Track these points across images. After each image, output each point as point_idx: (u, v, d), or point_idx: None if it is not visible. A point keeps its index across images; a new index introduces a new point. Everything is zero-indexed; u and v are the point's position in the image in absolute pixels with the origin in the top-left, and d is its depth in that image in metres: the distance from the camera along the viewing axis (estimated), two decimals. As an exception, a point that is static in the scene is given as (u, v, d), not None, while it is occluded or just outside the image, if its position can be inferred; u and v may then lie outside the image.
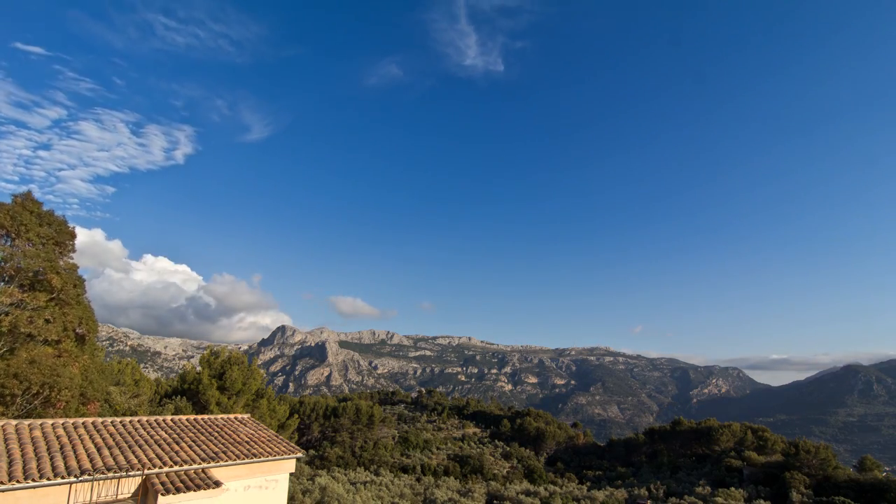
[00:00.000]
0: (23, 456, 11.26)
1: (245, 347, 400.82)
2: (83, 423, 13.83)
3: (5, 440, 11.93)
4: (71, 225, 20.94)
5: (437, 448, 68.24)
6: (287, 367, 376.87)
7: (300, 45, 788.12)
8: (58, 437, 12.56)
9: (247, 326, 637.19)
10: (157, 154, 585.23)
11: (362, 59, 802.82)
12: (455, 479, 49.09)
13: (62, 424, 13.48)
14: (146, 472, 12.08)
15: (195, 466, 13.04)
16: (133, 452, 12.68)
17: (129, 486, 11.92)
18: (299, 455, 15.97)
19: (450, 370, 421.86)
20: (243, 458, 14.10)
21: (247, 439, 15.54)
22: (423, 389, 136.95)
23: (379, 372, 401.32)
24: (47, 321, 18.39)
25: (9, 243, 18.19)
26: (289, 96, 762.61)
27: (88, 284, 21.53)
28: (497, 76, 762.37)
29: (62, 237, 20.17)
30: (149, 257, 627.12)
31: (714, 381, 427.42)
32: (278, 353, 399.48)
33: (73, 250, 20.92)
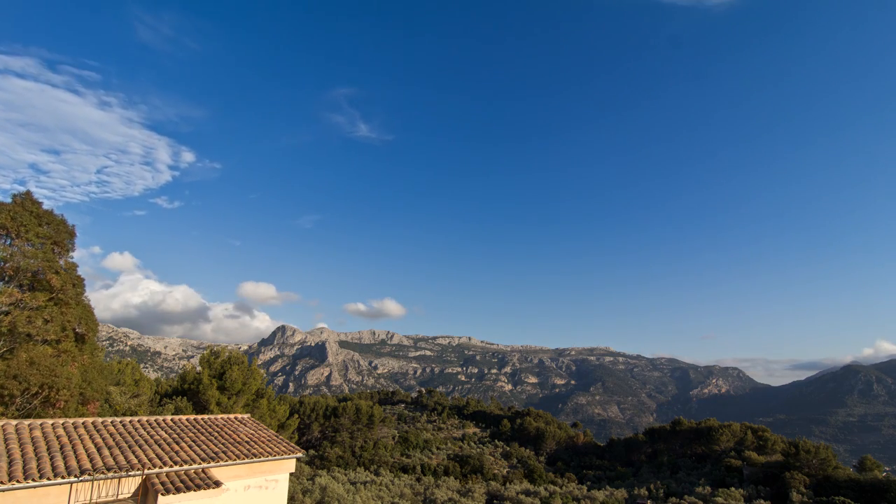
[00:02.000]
0: (23, 456, 11.26)
1: (245, 347, 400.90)
2: (83, 423, 13.83)
3: (5, 440, 11.92)
4: (71, 224, 20.88)
5: (437, 448, 68.25)
6: (287, 367, 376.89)
7: (232, 119, 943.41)
8: (58, 437, 12.56)
9: (247, 326, 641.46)
10: (118, 192, 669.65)
11: (278, 128, 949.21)
12: (455, 479, 49.09)
13: (62, 424, 13.47)
14: (146, 471, 12.08)
15: (195, 466, 13.04)
16: (133, 452, 12.68)
17: (130, 485, 11.92)
18: (299, 455, 15.97)
19: (450, 370, 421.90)
20: (243, 458, 14.10)
21: (247, 439, 15.54)
22: (423, 389, 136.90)
23: (379, 372, 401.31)
24: (46, 321, 18.35)
25: (9, 243, 18.17)
26: (224, 149, 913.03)
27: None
28: (392, 141, 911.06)
29: (61, 236, 20.11)
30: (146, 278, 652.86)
31: (714, 381, 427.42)
32: (278, 353, 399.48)
33: (73, 249, 20.83)
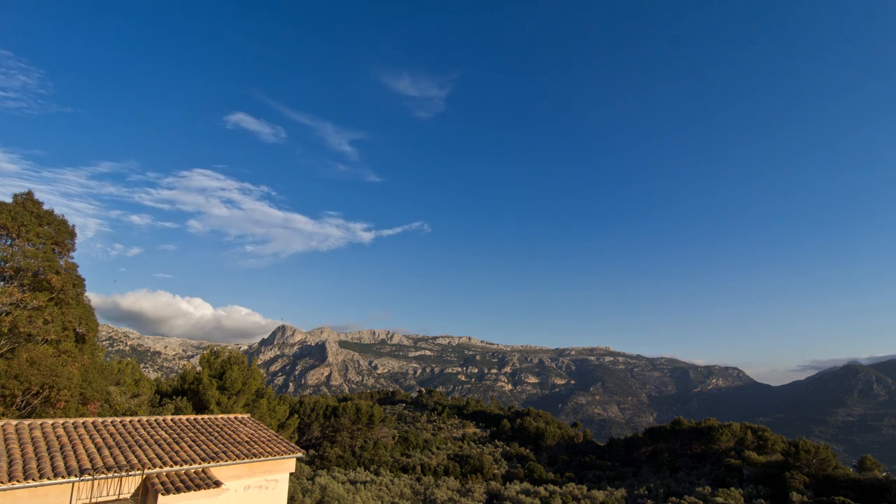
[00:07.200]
0: (23, 456, 11.26)
1: (245, 347, 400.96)
2: (83, 423, 13.84)
3: (5, 440, 11.93)
4: (71, 224, 20.88)
5: (437, 448, 68.26)
6: (287, 367, 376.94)
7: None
8: (58, 437, 12.57)
9: (247, 325, 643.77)
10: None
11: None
12: (455, 478, 49.09)
13: (62, 424, 13.48)
14: (146, 471, 12.08)
15: (195, 466, 13.04)
16: (133, 452, 12.68)
17: (130, 485, 11.92)
18: (299, 455, 15.97)
19: (450, 370, 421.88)
20: (243, 458, 14.10)
21: (247, 439, 15.54)
22: (423, 389, 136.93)
23: (379, 372, 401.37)
24: (46, 321, 18.36)
25: (9, 243, 18.17)
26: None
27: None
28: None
29: (62, 237, 20.13)
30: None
31: (714, 380, 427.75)
32: (278, 352, 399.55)
33: (73, 249, 20.84)
